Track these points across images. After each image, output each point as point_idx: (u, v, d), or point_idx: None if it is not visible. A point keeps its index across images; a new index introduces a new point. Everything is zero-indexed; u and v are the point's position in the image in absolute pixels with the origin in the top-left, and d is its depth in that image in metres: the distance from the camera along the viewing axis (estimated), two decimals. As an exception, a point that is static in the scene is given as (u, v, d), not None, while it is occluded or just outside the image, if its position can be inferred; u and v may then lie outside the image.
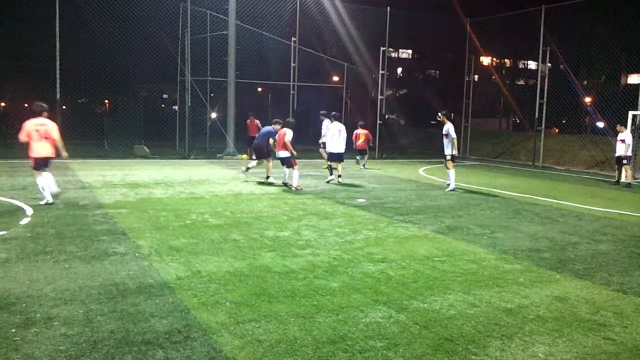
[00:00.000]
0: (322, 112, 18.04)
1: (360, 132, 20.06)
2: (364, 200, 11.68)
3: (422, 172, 18.59)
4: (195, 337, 4.34)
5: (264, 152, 14.27)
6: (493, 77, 39.43)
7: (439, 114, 14.34)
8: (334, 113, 15.78)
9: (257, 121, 20.85)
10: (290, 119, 13.91)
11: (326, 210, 10.23)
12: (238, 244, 7.41)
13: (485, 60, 39.15)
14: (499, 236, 8.44)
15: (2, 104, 42.90)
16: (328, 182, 14.48)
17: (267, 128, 14.36)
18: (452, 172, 13.70)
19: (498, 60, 42.83)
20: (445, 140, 13.73)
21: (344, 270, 6.30)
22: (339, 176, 14.64)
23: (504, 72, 43.50)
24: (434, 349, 4.26)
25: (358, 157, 20.52)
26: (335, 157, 14.75)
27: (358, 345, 4.29)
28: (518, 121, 39.30)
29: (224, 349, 4.14)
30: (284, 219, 9.30)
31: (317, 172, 17.26)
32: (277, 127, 13.97)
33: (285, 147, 13.27)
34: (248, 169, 15.06)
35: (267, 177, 14.34)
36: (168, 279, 5.77)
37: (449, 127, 13.66)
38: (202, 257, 6.65)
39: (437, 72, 52.90)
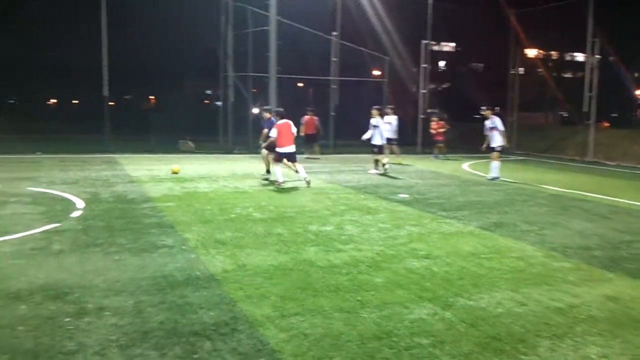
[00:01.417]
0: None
1: (435, 122, 21.15)
2: (406, 195, 11.58)
3: (466, 167, 18.31)
4: (242, 329, 4.41)
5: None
6: (539, 69, 38.42)
7: (482, 108, 14.61)
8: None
9: (316, 118, 20.29)
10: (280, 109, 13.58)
11: (369, 206, 10.20)
12: (282, 238, 7.47)
13: (531, 52, 38.16)
14: (547, 233, 8.24)
15: (53, 101, 44.40)
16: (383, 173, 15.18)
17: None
18: (497, 164, 14.25)
19: (544, 53, 41.70)
20: (491, 133, 14.24)
21: (387, 266, 6.27)
22: (384, 165, 15.46)
23: (550, 64, 42.34)
24: (481, 348, 4.19)
25: (436, 153, 21.27)
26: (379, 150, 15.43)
27: (403, 341, 4.26)
28: (566, 115, 38.15)
29: (270, 341, 4.19)
30: (326, 213, 9.32)
31: (358, 167, 17.21)
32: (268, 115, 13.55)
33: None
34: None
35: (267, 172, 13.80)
36: (214, 271, 5.87)
37: (495, 120, 14.20)
38: (247, 251, 6.73)
39: (481, 65, 51.91)
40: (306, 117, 19.92)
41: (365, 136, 15.71)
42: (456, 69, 50.91)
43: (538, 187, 13.46)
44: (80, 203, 9.63)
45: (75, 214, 8.71)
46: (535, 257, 6.85)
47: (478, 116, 20.80)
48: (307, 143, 20.06)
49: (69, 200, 9.93)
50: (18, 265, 5.89)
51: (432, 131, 21.56)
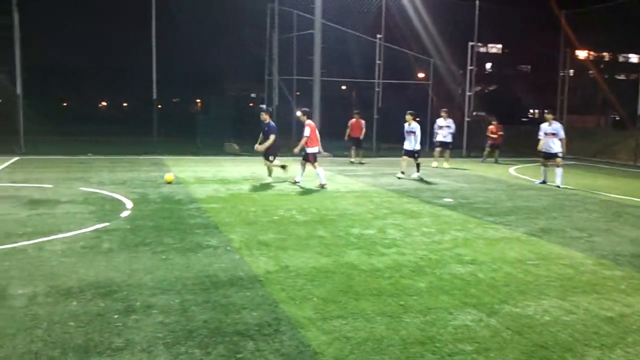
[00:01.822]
0: (444, 109, 18.67)
1: (493, 126, 20.88)
2: (451, 199, 11.43)
3: (513, 171, 17.92)
4: (284, 330, 4.44)
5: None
6: (590, 71, 37.29)
7: (545, 112, 14.39)
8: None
9: (363, 121, 19.69)
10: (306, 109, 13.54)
11: (412, 209, 10.11)
12: (324, 240, 7.49)
13: (581, 54, 37.08)
14: (597, 240, 7.98)
15: (104, 104, 45.83)
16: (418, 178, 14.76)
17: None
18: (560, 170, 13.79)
19: (595, 54, 40.45)
20: (551, 139, 13.78)
21: (431, 270, 6.20)
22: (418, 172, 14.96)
23: (602, 66, 41.05)
24: (527, 356, 4.10)
25: (485, 157, 21.01)
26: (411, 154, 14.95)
27: (447, 347, 4.20)
28: (618, 118, 36.89)
29: (312, 343, 4.20)
30: (369, 217, 9.29)
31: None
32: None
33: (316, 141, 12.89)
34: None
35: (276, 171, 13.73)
36: (258, 272, 5.93)
37: (558, 127, 13.82)
38: (290, 252, 6.78)
39: (529, 67, 50.77)
40: (353, 120, 19.49)
41: (405, 146, 14.97)
42: (503, 71, 49.93)
43: (588, 193, 13.05)
44: (129, 203, 9.90)
45: (124, 213, 8.96)
46: (584, 264, 6.65)
47: (525, 119, 20.48)
48: (352, 146, 19.57)
49: (119, 200, 10.22)
50: (70, 263, 6.10)
51: (492, 135, 20.95)
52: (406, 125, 14.98)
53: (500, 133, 21.05)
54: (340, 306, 5.00)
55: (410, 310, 4.96)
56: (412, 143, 14.76)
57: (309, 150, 12.88)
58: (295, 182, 12.87)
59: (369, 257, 6.70)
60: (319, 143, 13.24)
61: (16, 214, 8.69)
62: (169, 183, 12.48)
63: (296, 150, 13.17)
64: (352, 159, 19.28)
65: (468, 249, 7.22)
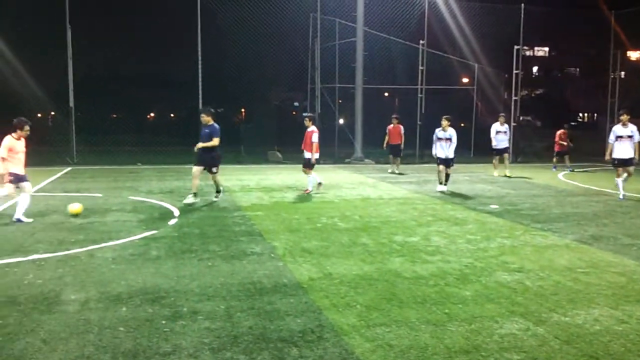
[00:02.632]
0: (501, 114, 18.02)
1: (562, 132, 19.79)
2: (497, 206, 11.22)
3: (562, 177, 17.45)
4: (328, 337, 4.45)
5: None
6: (643, 72, 36.01)
7: (619, 112, 13.01)
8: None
9: (402, 127, 18.35)
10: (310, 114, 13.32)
11: (456, 216, 9.98)
12: (367, 248, 7.47)
13: (634, 55, 35.89)
14: (651, 247, 7.69)
15: (151, 115, 47.04)
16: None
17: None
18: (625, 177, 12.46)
19: (649, 54, 39.05)
20: (628, 143, 12.25)
21: (476, 278, 6.11)
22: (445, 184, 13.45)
23: (656, 66, 39.57)
24: (577, 366, 3.98)
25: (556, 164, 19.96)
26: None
27: (493, 357, 4.13)
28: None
29: (356, 351, 4.20)
30: (412, 224, 9.22)
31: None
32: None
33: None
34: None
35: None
36: (301, 279, 5.97)
37: (634, 129, 12.26)
38: (333, 260, 6.80)
39: (577, 69, 49.44)
40: (390, 126, 18.23)
41: (433, 152, 13.73)
42: (550, 74, 48.78)
43: (642, 198, 12.58)
44: (176, 211, 10.13)
45: (172, 221, 9.18)
46: (637, 272, 6.41)
47: (574, 123, 19.90)
48: (391, 154, 18.38)
49: (166, 208, 10.47)
50: (119, 270, 6.29)
51: (562, 142, 19.78)
52: (440, 131, 13.48)
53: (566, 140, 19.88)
54: (383, 314, 4.98)
55: (455, 318, 4.89)
56: (445, 151, 13.33)
57: (309, 155, 12.75)
58: (319, 184, 12.92)
59: (413, 264, 6.65)
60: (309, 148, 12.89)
61: (69, 223, 9.02)
62: (76, 215, 9.52)
63: (314, 160, 12.76)
64: (391, 170, 18.19)
65: (515, 257, 7.07)
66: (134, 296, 5.38)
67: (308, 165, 12.84)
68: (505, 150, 17.69)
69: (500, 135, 17.45)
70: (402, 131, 18.23)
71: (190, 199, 10.93)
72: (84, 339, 4.37)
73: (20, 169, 9.08)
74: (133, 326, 4.64)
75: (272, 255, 7.02)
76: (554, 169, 19.54)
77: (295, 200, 11.70)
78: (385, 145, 18.48)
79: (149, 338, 4.40)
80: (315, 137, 12.64)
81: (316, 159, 12.84)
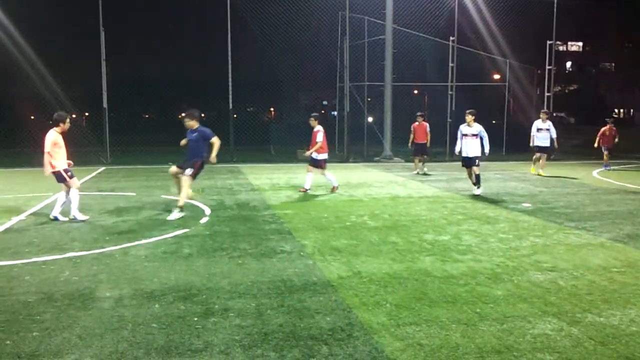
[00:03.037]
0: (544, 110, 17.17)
1: (607, 128, 18.59)
2: (529, 204, 11.04)
3: (597, 174, 17.07)
4: (358, 335, 4.45)
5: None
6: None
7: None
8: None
9: (427, 124, 17.27)
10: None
11: (488, 215, 9.86)
12: (397, 246, 7.44)
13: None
14: (691, 246, 7.47)
15: (182, 115, 47.65)
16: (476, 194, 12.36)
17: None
18: None
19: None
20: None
21: (508, 278, 6.03)
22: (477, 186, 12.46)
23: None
24: (613, 368, 3.90)
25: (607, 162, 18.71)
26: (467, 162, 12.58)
27: (525, 357, 4.08)
28: None
29: (385, 349, 4.19)
30: (442, 222, 9.14)
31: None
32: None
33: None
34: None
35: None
36: (330, 277, 5.98)
37: None
38: (362, 258, 6.79)
39: (612, 64, 48.23)
40: (415, 124, 17.23)
41: (457, 149, 12.92)
42: (584, 69, 47.76)
43: (681, 196, 12.23)
44: (207, 210, 10.26)
45: (203, 220, 9.30)
46: (677, 272, 6.24)
47: (608, 119, 19.24)
48: (416, 154, 17.36)
49: (198, 207, 10.61)
50: (152, 267, 6.41)
51: (607, 138, 18.59)
52: (465, 127, 12.59)
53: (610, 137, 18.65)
54: (413, 313, 4.96)
55: (487, 318, 4.84)
56: (469, 148, 12.48)
57: (319, 156, 12.58)
58: (334, 189, 12.69)
59: (443, 263, 6.60)
60: (327, 149, 12.83)
61: (103, 221, 9.21)
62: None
63: (307, 154, 12.72)
64: (416, 170, 17.18)
65: (548, 256, 6.95)
66: (166, 293, 5.48)
67: (314, 164, 12.64)
68: (546, 149, 16.77)
69: (542, 132, 16.61)
70: (428, 129, 17.16)
71: (176, 214, 9.47)
72: (118, 335, 4.47)
73: (65, 163, 9.26)
74: (166, 323, 4.72)
75: (302, 253, 7.05)
76: (605, 168, 18.41)
77: (324, 199, 11.72)
78: (410, 144, 17.53)
79: (181, 335, 4.47)
80: (319, 137, 12.52)
81: (323, 159, 12.62)
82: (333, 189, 12.70)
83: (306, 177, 12.77)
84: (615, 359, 4.04)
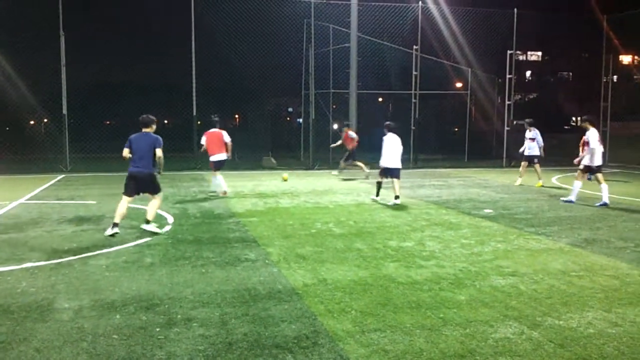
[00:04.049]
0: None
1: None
2: (491, 210, 11.25)
3: (555, 180, 17.52)
4: (323, 343, 4.44)
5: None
6: (635, 76, 36.27)
7: (582, 118, 12.79)
8: (388, 123, 12.52)
9: (354, 135, 18.04)
10: (216, 117, 14.02)
11: (450, 221, 10.00)
12: (362, 253, 7.47)
13: (626, 58, 36.17)
14: (645, 250, 7.72)
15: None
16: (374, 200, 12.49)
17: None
18: (578, 184, 12.38)
19: (640, 58, 39.36)
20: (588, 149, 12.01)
21: (471, 283, 6.12)
22: (396, 197, 11.99)
23: (647, 70, 39.85)
24: (571, 370, 3.99)
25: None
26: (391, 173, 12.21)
27: (487, 361, 4.14)
28: (666, 124, 35.78)
29: (350, 356, 4.20)
30: (406, 229, 9.23)
31: (439, 182, 16.93)
32: None
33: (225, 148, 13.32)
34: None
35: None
36: (296, 285, 5.96)
37: (589, 134, 11.95)
38: (327, 266, 6.79)
39: (570, 73, 49.71)
40: (345, 134, 18.14)
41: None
42: (543, 78, 49.05)
43: (634, 201, 12.65)
44: (170, 218, 10.11)
45: (166, 228, 9.15)
46: (631, 275, 6.44)
47: (567, 127, 19.70)
48: (345, 159, 18.16)
49: (160, 215, 10.44)
50: (113, 277, 6.27)
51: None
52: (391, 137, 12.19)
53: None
54: (378, 319, 4.98)
55: (450, 322, 4.90)
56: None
57: (211, 158, 13.33)
58: (224, 193, 13.38)
59: (407, 269, 6.66)
60: (223, 150, 13.34)
61: (62, 230, 8.98)
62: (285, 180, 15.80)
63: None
64: (337, 171, 18.59)
65: (509, 261, 7.09)
66: (127, 304, 5.36)
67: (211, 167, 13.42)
68: (531, 158, 15.86)
69: (527, 142, 15.98)
70: (353, 136, 17.95)
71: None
72: (78, 347, 4.35)
73: None
74: (127, 334, 4.62)
75: (267, 261, 7.01)
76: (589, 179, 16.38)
77: (289, 206, 11.69)
78: (335, 144, 18.66)
79: (143, 346, 4.39)
80: (226, 138, 13.34)
81: (213, 161, 13.39)
82: (224, 193, 13.28)
83: (216, 180, 13.37)
84: (573, 361, 4.13)
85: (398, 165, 12.17)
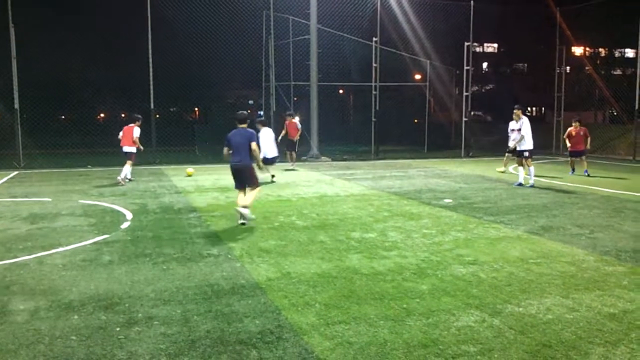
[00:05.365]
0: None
1: (573, 128, 16.44)
2: (450, 200, 11.42)
3: (512, 170, 17.90)
4: (287, 337, 4.42)
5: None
6: (586, 67, 37.34)
7: (515, 109, 13.83)
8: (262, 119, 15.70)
9: (298, 123, 18.67)
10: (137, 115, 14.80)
11: (412, 211, 10.10)
12: (325, 245, 7.47)
13: (578, 50, 37.15)
14: (599, 236, 7.97)
15: (102, 115, 45.84)
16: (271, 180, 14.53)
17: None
18: (531, 169, 13.68)
19: (592, 50, 40.53)
20: (518, 136, 13.69)
21: (433, 272, 6.19)
22: (272, 176, 14.70)
23: (598, 62, 41.08)
24: (531, 355, 4.08)
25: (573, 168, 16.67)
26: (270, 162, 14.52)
27: (450, 349, 4.19)
28: (615, 113, 37.00)
29: (315, 350, 4.19)
30: (369, 220, 9.28)
31: (400, 173, 17.09)
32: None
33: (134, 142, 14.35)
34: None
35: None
36: (259, 280, 5.92)
37: (522, 122, 13.66)
38: (291, 259, 6.77)
39: (526, 65, 50.81)
40: (287, 122, 18.63)
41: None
42: (500, 69, 50.01)
43: (588, 189, 13.05)
44: (128, 214, 9.89)
45: (124, 225, 8.95)
46: (586, 261, 6.64)
47: (574, 118, 19.43)
48: (287, 150, 18.71)
49: (118, 211, 10.21)
50: (70, 277, 6.09)
51: (568, 141, 16.65)
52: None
53: (588, 138, 16.68)
54: (342, 311, 4.99)
55: (413, 313, 4.94)
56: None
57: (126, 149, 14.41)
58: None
59: (371, 260, 6.69)
60: (129, 142, 14.34)
61: (17, 229, 8.68)
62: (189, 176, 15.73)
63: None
64: (291, 167, 18.47)
65: (469, 250, 7.21)
66: (86, 303, 5.22)
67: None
68: (520, 152, 13.76)
69: (514, 133, 13.95)
70: (299, 126, 18.64)
71: None
72: (34, 350, 4.21)
73: None
74: (86, 335, 4.50)
75: (229, 256, 6.94)
76: (571, 174, 16.39)
77: (251, 200, 11.58)
78: (280, 139, 18.17)
79: (103, 346, 4.27)
80: (135, 132, 14.33)
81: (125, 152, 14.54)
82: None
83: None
84: (533, 347, 4.23)
85: (275, 154, 14.97)
